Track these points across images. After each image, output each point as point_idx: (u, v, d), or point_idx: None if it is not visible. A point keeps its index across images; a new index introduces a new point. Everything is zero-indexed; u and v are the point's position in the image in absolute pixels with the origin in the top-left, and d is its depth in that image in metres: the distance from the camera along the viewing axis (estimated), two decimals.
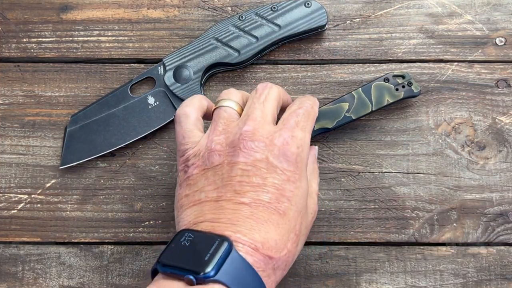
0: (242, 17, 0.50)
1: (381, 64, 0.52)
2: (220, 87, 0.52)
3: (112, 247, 0.48)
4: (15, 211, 0.49)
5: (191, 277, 0.33)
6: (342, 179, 0.49)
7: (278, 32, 0.50)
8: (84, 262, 0.48)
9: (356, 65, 0.52)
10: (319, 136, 0.50)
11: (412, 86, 0.48)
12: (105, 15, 0.53)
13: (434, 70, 0.51)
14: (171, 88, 0.50)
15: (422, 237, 0.48)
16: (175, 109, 0.49)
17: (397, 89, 0.48)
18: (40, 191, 0.50)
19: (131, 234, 0.49)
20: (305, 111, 0.40)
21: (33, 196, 0.50)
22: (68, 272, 0.48)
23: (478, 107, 0.50)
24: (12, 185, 0.50)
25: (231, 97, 0.42)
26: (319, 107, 0.47)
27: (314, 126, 0.47)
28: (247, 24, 0.50)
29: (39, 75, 0.52)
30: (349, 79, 0.51)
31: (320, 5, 0.50)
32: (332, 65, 0.52)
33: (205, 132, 0.41)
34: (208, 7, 0.53)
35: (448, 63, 0.52)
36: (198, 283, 0.33)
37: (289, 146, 0.38)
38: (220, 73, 0.52)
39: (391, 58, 0.52)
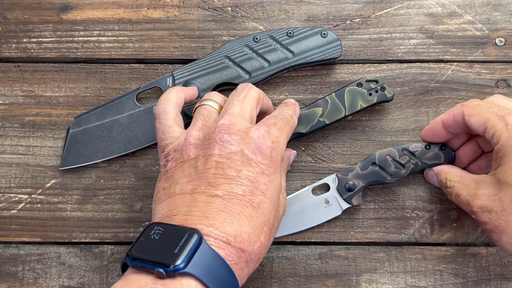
0: (257, 38, 0.50)
1: (381, 64, 0.52)
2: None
3: (112, 247, 0.49)
4: (15, 211, 0.49)
5: (161, 270, 0.33)
6: None
7: (291, 59, 0.50)
8: (84, 262, 0.48)
9: (356, 65, 0.52)
10: (319, 136, 0.50)
11: (385, 91, 0.48)
12: (105, 15, 0.53)
13: (434, 70, 0.51)
14: None
15: (422, 237, 0.48)
16: None
17: (370, 94, 0.48)
18: (40, 191, 0.50)
19: (131, 234, 0.49)
20: (284, 118, 0.42)
21: (33, 196, 0.50)
22: (68, 272, 0.48)
23: None
24: (12, 185, 0.50)
25: (212, 97, 0.43)
26: None
27: None
28: (261, 46, 0.50)
29: (39, 75, 0.52)
30: (349, 79, 0.51)
31: (336, 37, 0.50)
32: (332, 65, 0.52)
33: (185, 128, 0.42)
34: (208, 7, 0.53)
35: (448, 63, 0.52)
36: (168, 276, 0.33)
37: (264, 139, 0.38)
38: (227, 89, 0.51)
39: (391, 58, 0.52)
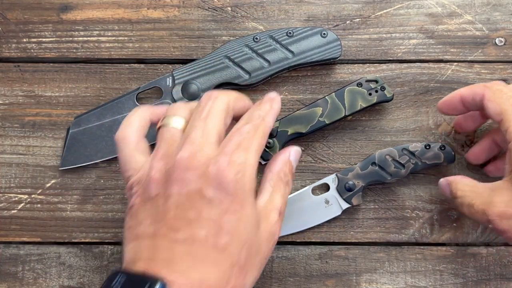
0: (256, 38, 0.50)
1: (381, 64, 0.52)
2: None
3: (112, 247, 0.49)
4: (15, 211, 0.49)
5: None
6: None
7: (291, 59, 0.50)
8: (84, 262, 0.48)
9: (356, 65, 0.52)
10: (319, 136, 0.50)
11: (385, 91, 0.48)
12: (105, 15, 0.53)
13: (434, 70, 0.51)
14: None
15: (422, 237, 0.48)
16: None
17: (370, 94, 0.48)
18: (40, 191, 0.50)
19: None
20: (252, 127, 0.36)
21: (33, 196, 0.50)
22: (68, 272, 0.48)
23: None
24: (12, 185, 0.50)
25: (176, 112, 0.38)
26: (293, 112, 0.48)
27: (288, 131, 0.47)
28: (261, 46, 0.50)
29: (39, 75, 0.52)
30: (349, 79, 0.51)
31: (336, 37, 0.50)
32: (332, 65, 0.52)
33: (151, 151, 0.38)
34: (208, 7, 0.53)
35: (448, 63, 0.52)
36: None
37: (225, 173, 0.34)
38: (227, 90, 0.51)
39: (391, 58, 0.52)
